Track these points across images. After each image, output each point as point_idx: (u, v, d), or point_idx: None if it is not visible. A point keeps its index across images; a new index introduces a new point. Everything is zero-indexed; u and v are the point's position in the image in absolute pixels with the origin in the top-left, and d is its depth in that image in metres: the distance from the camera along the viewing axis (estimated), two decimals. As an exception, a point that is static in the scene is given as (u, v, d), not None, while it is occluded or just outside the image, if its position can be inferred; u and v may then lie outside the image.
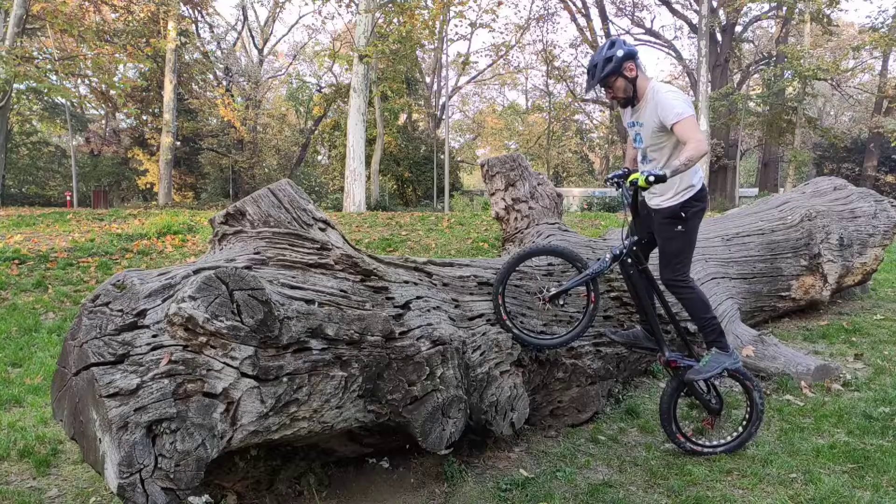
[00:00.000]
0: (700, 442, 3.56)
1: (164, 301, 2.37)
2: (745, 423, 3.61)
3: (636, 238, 3.57)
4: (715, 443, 3.56)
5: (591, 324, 3.70)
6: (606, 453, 3.58)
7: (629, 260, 3.56)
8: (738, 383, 3.77)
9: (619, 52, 3.38)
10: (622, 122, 3.87)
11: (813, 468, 3.28)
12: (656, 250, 3.74)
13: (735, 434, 3.59)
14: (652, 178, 3.13)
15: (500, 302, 3.48)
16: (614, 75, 3.41)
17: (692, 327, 4.92)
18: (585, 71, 3.56)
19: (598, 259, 3.59)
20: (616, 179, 3.60)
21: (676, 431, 3.52)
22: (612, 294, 4.40)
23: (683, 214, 3.46)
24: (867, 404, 4.16)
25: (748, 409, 3.63)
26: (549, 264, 4.19)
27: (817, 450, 3.49)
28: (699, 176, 3.51)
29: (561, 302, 3.60)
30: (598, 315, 4.27)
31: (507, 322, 3.48)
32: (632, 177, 3.27)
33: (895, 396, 4.28)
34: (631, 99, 3.50)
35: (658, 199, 3.53)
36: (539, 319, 3.82)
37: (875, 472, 3.22)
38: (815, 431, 3.80)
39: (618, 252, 3.52)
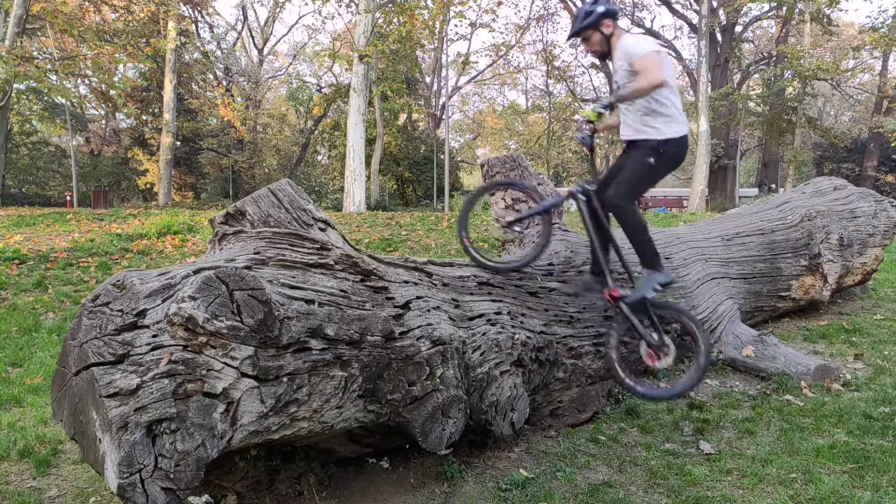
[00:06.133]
0: (645, 383, 3.76)
1: (164, 301, 2.37)
2: (693, 367, 3.69)
3: (591, 180, 3.84)
4: (663, 387, 3.76)
5: (545, 248, 3.94)
6: (606, 453, 3.58)
7: (581, 198, 3.82)
8: (677, 323, 3.88)
9: (600, 9, 3.66)
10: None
11: (813, 468, 3.28)
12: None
13: (685, 379, 3.72)
14: (599, 109, 3.48)
15: (464, 225, 3.86)
16: (591, 28, 3.69)
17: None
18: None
19: (554, 194, 3.91)
20: (582, 140, 3.86)
21: (619, 369, 3.63)
22: (612, 294, 4.40)
23: (661, 151, 3.67)
24: (867, 404, 4.16)
25: (695, 352, 3.71)
26: (550, 264, 4.20)
27: (817, 450, 3.49)
28: (676, 129, 3.67)
29: (517, 228, 3.97)
30: (597, 314, 4.29)
31: (467, 243, 3.81)
32: (582, 112, 3.56)
33: (895, 396, 4.28)
34: (606, 53, 3.75)
35: (630, 132, 3.76)
36: (539, 319, 3.83)
37: (875, 472, 3.22)
38: (815, 431, 3.80)
39: (575, 191, 3.83)
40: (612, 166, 4.04)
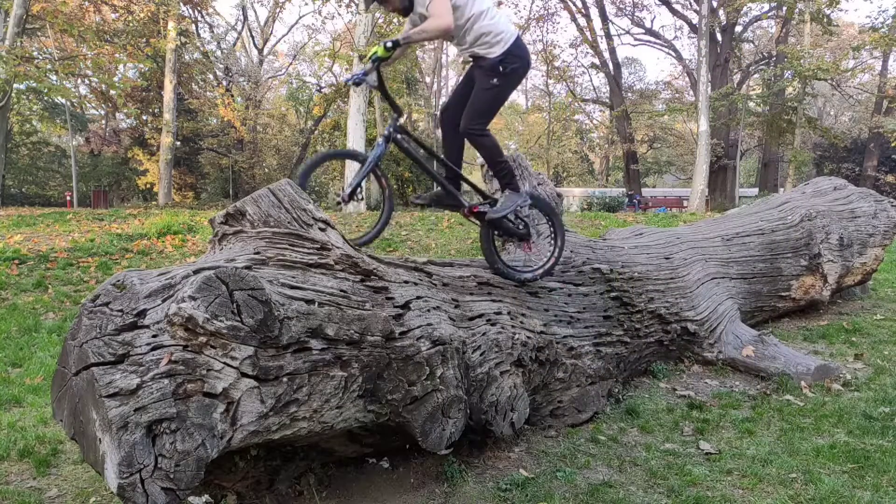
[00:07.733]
0: (517, 268, 3.98)
1: (164, 301, 2.37)
2: (553, 249, 4.02)
3: (397, 115, 3.79)
4: (533, 266, 4.02)
5: (392, 212, 3.90)
6: (606, 453, 3.58)
7: (398, 136, 3.80)
8: (545, 217, 4.16)
9: None
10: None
11: (813, 468, 3.28)
12: None
13: (545, 259, 4.05)
14: (389, 44, 3.41)
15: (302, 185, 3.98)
16: None
17: (692, 328, 4.93)
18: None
19: (376, 146, 3.84)
20: (354, 79, 3.68)
21: (499, 261, 3.92)
22: (613, 294, 4.40)
23: (501, 69, 3.69)
24: (867, 404, 4.16)
25: (552, 235, 4.02)
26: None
27: (817, 450, 3.49)
28: (503, 47, 3.69)
29: (360, 196, 3.87)
30: (597, 314, 4.28)
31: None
32: (370, 51, 3.50)
33: (895, 396, 4.28)
34: (409, 7, 3.74)
35: (476, 49, 3.75)
36: (539, 319, 3.83)
37: (875, 472, 3.22)
38: (815, 431, 3.80)
39: (387, 133, 3.75)
40: (456, 88, 4.09)
